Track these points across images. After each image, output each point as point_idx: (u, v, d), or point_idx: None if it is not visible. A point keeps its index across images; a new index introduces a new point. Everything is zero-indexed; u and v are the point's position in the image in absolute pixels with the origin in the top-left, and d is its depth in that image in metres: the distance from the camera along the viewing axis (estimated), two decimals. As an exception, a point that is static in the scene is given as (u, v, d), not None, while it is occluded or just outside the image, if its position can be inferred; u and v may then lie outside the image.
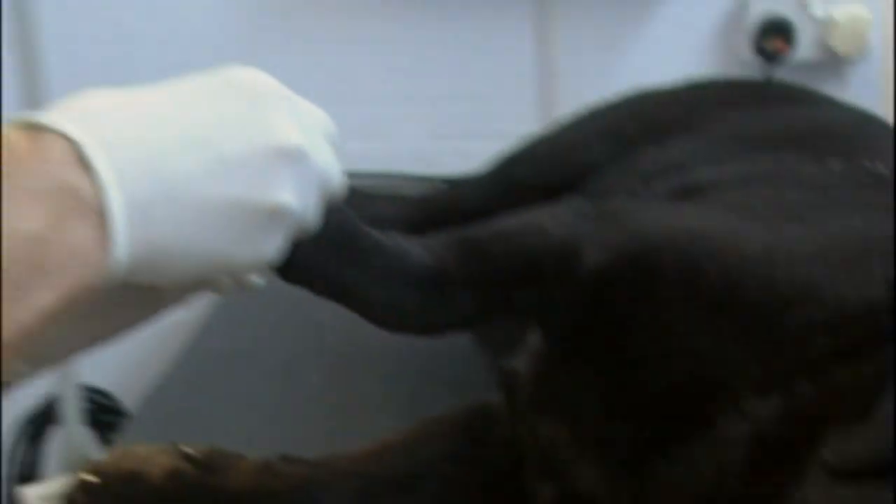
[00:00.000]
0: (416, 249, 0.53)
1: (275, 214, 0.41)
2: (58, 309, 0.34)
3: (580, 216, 0.56)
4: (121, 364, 1.22)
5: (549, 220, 0.56)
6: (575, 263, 0.54)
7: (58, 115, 0.36)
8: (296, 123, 0.42)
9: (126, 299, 0.42)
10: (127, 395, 1.25)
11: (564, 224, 0.57)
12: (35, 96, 1.07)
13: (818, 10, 1.13)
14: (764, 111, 0.77)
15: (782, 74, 1.12)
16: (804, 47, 1.14)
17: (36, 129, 0.36)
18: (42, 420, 1.26)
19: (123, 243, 0.36)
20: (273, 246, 0.42)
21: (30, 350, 0.35)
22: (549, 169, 0.87)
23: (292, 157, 0.41)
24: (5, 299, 0.33)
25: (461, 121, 1.22)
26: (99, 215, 0.35)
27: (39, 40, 1.07)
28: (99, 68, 1.22)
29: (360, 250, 0.50)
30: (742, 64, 1.13)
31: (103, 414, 1.26)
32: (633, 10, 1.16)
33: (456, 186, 1.00)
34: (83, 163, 0.35)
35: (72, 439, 1.11)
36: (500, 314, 0.57)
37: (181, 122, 0.39)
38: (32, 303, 0.34)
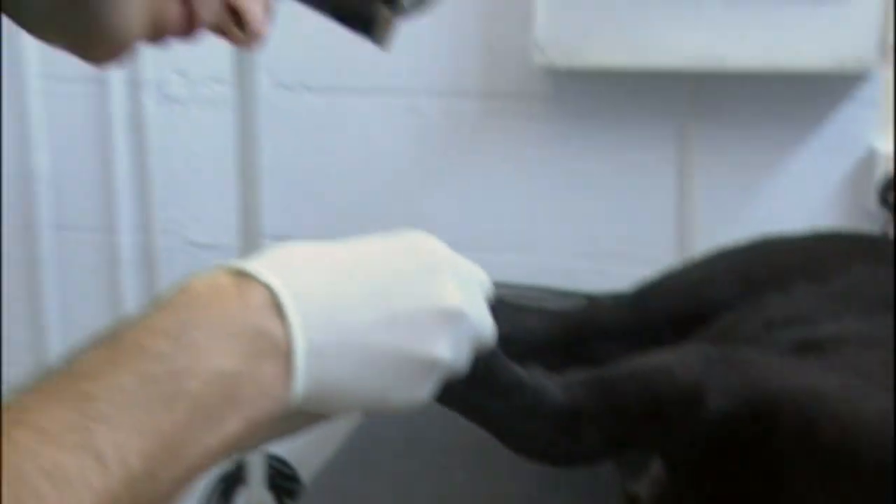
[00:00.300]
0: (553, 387, 0.55)
1: (432, 365, 0.42)
2: (241, 436, 0.36)
3: (707, 362, 0.58)
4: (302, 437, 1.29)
5: (678, 364, 0.58)
6: (699, 407, 0.55)
7: (262, 266, 0.38)
8: (458, 287, 0.44)
9: (294, 419, 0.44)
10: (305, 465, 1.31)
11: (692, 369, 0.59)
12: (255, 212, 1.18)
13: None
14: (886, 268, 0.76)
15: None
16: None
17: (243, 275, 0.38)
18: (232, 480, 1.33)
19: (302, 381, 0.37)
20: (426, 390, 0.43)
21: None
22: (680, 302, 0.89)
23: (453, 318, 0.43)
24: (197, 428, 0.34)
25: (603, 243, 1.24)
26: (286, 357, 0.37)
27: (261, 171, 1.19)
28: (304, 191, 1.32)
29: (503, 385, 0.53)
30: (868, 216, 1.10)
31: (283, 480, 1.32)
32: (766, 158, 1.16)
33: (595, 306, 1.02)
34: (278, 310, 0.37)
35: (255, 500, 1.18)
36: (627, 448, 0.59)
37: (362, 278, 0.41)
38: (221, 430, 0.35)
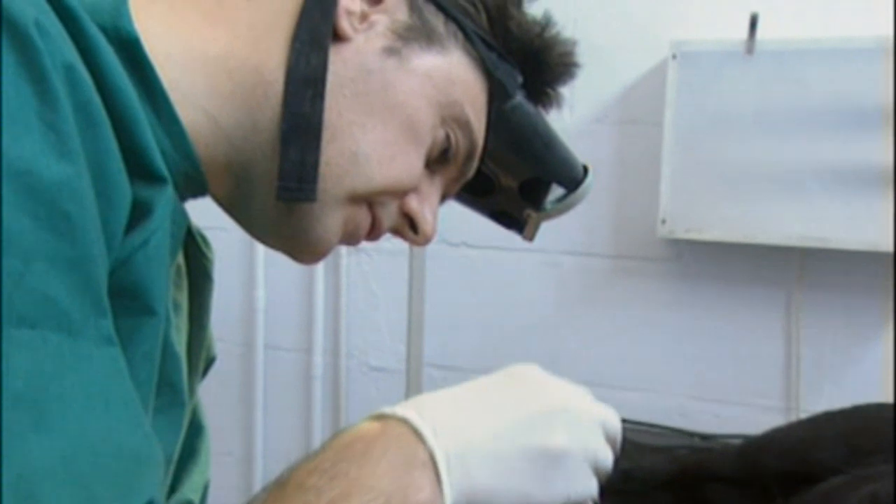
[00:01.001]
0: None
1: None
2: None
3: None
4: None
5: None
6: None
7: (401, 409, 0.39)
8: (567, 430, 0.41)
9: None
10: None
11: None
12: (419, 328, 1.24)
13: None
14: None
15: None
16: None
17: (383, 418, 0.38)
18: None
19: (449, 491, 0.37)
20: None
21: None
22: (787, 460, 0.86)
23: (557, 459, 0.40)
24: None
25: (717, 389, 1.22)
26: (433, 472, 0.36)
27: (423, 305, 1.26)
28: (460, 327, 1.37)
29: None
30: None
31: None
32: (868, 330, 1.13)
33: (709, 452, 1.00)
34: (419, 437, 0.37)
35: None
36: None
37: (487, 418, 0.40)
38: None
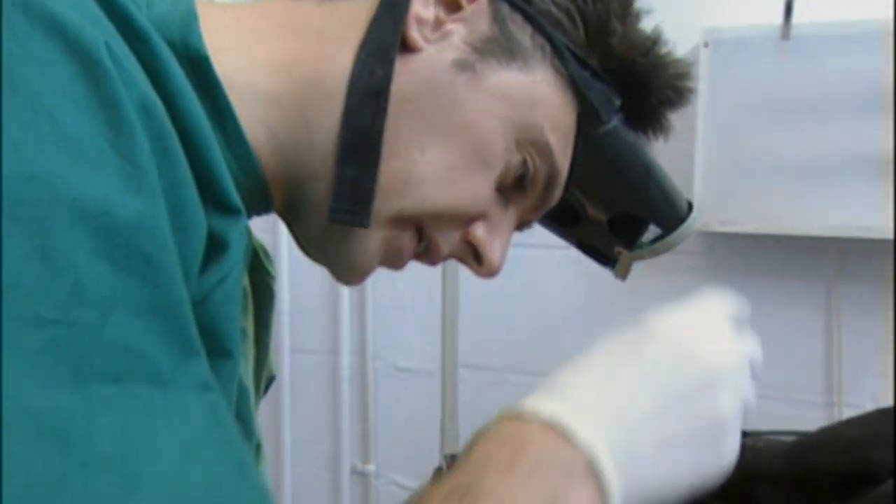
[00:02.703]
0: None
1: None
2: None
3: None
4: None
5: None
6: None
7: (544, 400, 0.33)
8: (730, 389, 0.37)
9: None
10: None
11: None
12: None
13: None
14: None
15: None
16: None
17: (524, 415, 0.32)
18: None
19: (617, 494, 0.31)
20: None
21: None
22: (843, 461, 0.83)
23: (725, 422, 0.36)
24: None
25: (755, 384, 1.20)
26: (595, 479, 0.31)
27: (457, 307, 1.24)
28: (492, 327, 1.34)
29: None
30: None
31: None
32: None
33: (755, 451, 0.98)
34: (573, 438, 0.31)
35: None
36: None
37: (640, 393, 0.34)
38: None
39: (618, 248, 0.52)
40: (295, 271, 1.46)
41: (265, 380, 0.53)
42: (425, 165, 0.41)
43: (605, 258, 0.53)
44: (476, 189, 0.42)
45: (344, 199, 0.39)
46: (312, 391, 1.48)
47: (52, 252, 0.25)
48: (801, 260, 1.15)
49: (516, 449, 0.31)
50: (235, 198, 0.35)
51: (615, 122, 0.46)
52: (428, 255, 0.45)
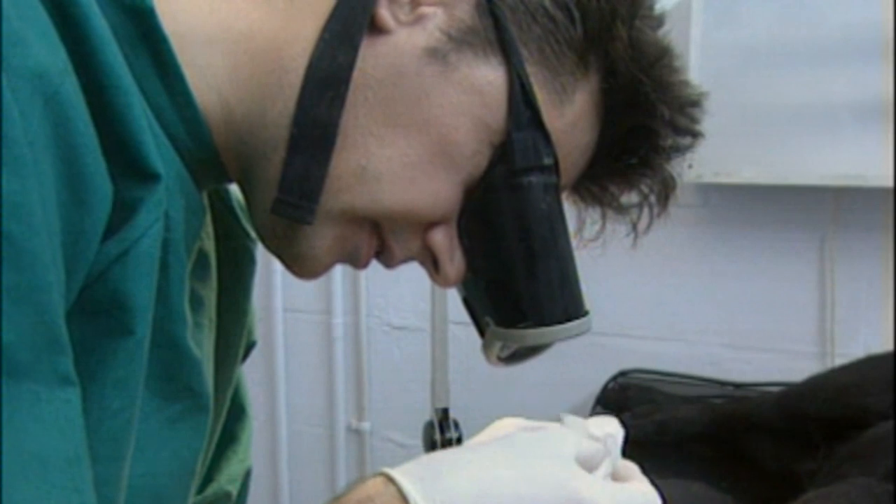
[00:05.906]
0: None
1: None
2: None
3: (870, 497, 0.55)
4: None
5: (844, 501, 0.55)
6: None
7: (401, 472, 0.34)
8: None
9: None
10: None
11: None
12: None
13: None
14: None
15: None
16: None
17: (389, 480, 0.34)
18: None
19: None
20: None
21: None
22: (832, 408, 0.84)
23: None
24: None
25: (748, 336, 1.20)
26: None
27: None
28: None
29: None
30: None
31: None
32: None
33: (745, 402, 0.98)
34: (405, 499, 0.33)
35: None
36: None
37: (492, 484, 0.34)
38: None
39: (486, 318, 0.44)
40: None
41: (244, 346, 0.51)
42: (383, 160, 0.37)
43: (476, 324, 0.46)
44: (438, 191, 0.39)
45: (290, 192, 0.37)
46: (306, 351, 1.48)
47: None
48: (796, 210, 1.14)
49: (365, 500, 0.33)
50: (154, 162, 0.32)
51: (532, 178, 0.40)
52: (382, 257, 0.42)
